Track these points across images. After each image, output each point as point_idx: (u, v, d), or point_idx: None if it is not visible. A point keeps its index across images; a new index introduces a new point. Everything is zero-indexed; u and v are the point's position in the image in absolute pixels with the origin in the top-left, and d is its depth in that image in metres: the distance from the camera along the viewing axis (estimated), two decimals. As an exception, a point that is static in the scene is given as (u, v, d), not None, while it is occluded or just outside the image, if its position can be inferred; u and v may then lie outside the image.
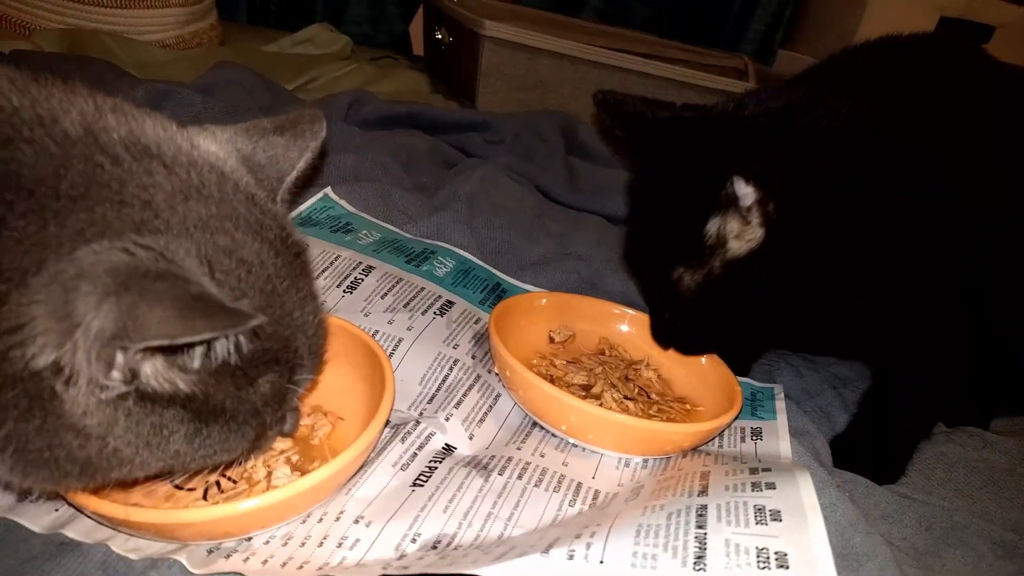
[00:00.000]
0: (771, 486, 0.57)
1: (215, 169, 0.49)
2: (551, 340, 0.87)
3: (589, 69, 1.85)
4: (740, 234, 0.69)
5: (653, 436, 0.69)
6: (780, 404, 0.84)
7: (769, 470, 0.61)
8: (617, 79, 1.88)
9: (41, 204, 0.40)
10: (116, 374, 0.41)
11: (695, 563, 0.48)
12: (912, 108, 0.75)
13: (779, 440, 0.76)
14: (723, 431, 0.79)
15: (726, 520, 0.52)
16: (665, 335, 0.80)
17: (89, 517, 0.54)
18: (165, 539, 0.54)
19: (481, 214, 1.07)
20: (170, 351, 0.42)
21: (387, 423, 0.67)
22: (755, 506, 0.54)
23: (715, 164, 0.68)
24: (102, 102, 0.47)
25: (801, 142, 0.70)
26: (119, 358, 0.40)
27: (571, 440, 0.71)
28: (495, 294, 0.91)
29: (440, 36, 2.03)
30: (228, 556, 0.54)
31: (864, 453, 0.83)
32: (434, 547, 0.55)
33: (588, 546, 0.50)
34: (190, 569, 0.52)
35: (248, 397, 0.47)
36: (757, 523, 0.52)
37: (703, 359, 0.84)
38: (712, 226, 0.69)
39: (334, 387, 0.68)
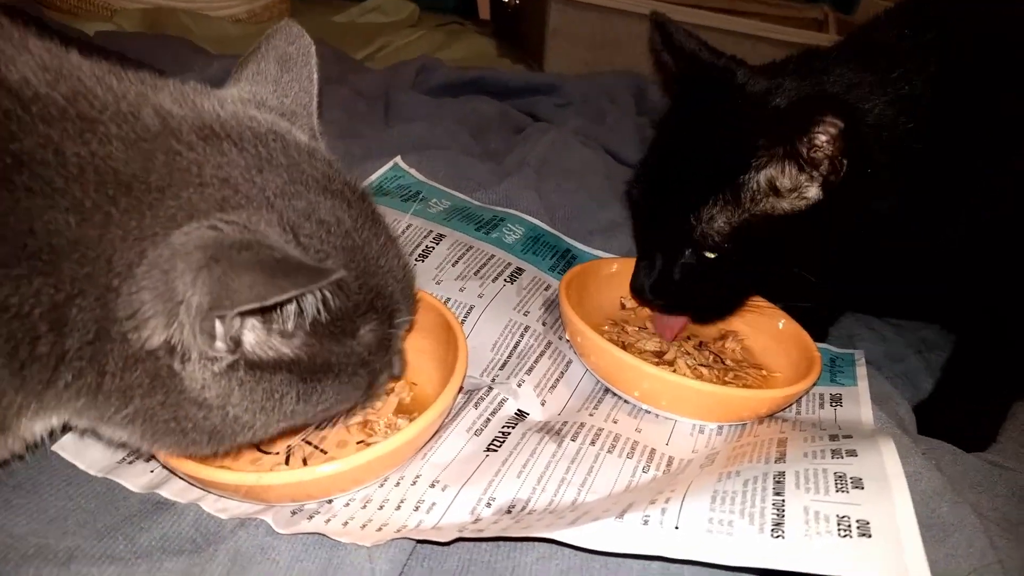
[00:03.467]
0: (852, 453, 0.55)
1: (277, 135, 0.50)
2: (622, 307, 0.86)
3: (659, 27, 1.80)
4: (795, 188, 0.66)
5: (727, 402, 0.68)
6: (861, 370, 0.82)
7: (850, 437, 0.60)
8: (690, 36, 1.83)
9: (138, 199, 0.42)
10: (220, 344, 0.43)
11: (772, 530, 0.48)
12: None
13: (860, 406, 0.74)
14: (801, 397, 0.77)
15: (804, 487, 0.51)
16: (655, 286, 0.73)
17: (180, 478, 0.57)
18: (251, 500, 0.56)
19: (550, 179, 1.06)
20: (266, 316, 0.44)
21: (460, 389, 0.69)
22: (836, 473, 0.53)
23: (790, 111, 0.65)
24: (167, 90, 0.49)
25: (891, 99, 0.68)
26: (219, 328, 0.42)
27: (644, 406, 0.71)
28: (565, 260, 0.91)
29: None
30: (311, 517, 0.56)
31: (951, 419, 0.80)
32: (508, 511, 0.56)
33: (663, 511, 0.50)
34: (276, 529, 0.54)
35: (353, 350, 0.49)
36: (838, 491, 0.50)
37: (780, 323, 0.82)
38: (765, 174, 0.66)
39: (409, 354, 0.69)
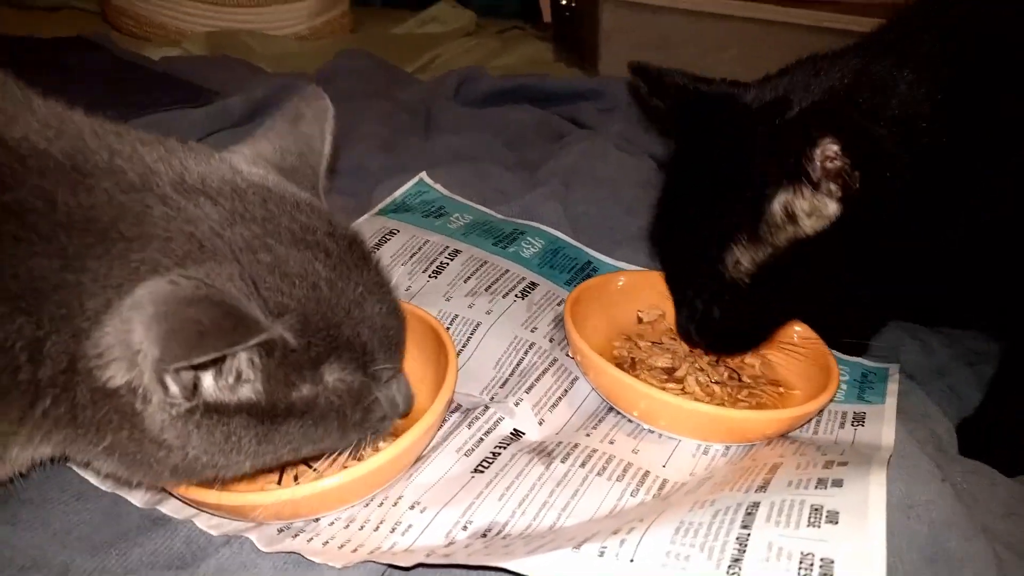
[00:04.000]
0: (838, 483, 0.52)
1: (260, 189, 0.52)
2: (639, 320, 0.84)
3: (718, 24, 1.75)
4: (812, 211, 0.63)
5: (726, 423, 0.65)
6: (892, 386, 0.77)
7: (845, 464, 0.57)
8: (751, 32, 1.77)
9: (108, 249, 0.45)
10: (175, 390, 0.45)
11: (730, 566, 0.46)
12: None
13: (883, 426, 0.70)
14: (818, 416, 0.73)
15: (775, 520, 0.49)
16: (698, 331, 0.72)
17: (174, 496, 0.60)
18: (238, 518, 0.58)
19: (579, 189, 1.05)
20: (219, 365, 0.46)
21: (457, 408, 0.69)
22: (813, 505, 0.50)
23: (787, 134, 0.62)
24: (159, 147, 0.51)
25: (892, 105, 0.64)
26: (170, 378, 0.44)
27: (646, 426, 0.69)
28: (584, 273, 0.90)
29: (564, 2, 2.00)
30: (296, 535, 0.57)
31: (992, 439, 0.75)
32: (483, 535, 0.56)
33: (622, 543, 0.49)
34: (259, 546, 0.56)
35: (318, 394, 0.50)
36: (809, 525, 0.48)
37: (796, 331, 0.78)
38: (779, 203, 0.64)
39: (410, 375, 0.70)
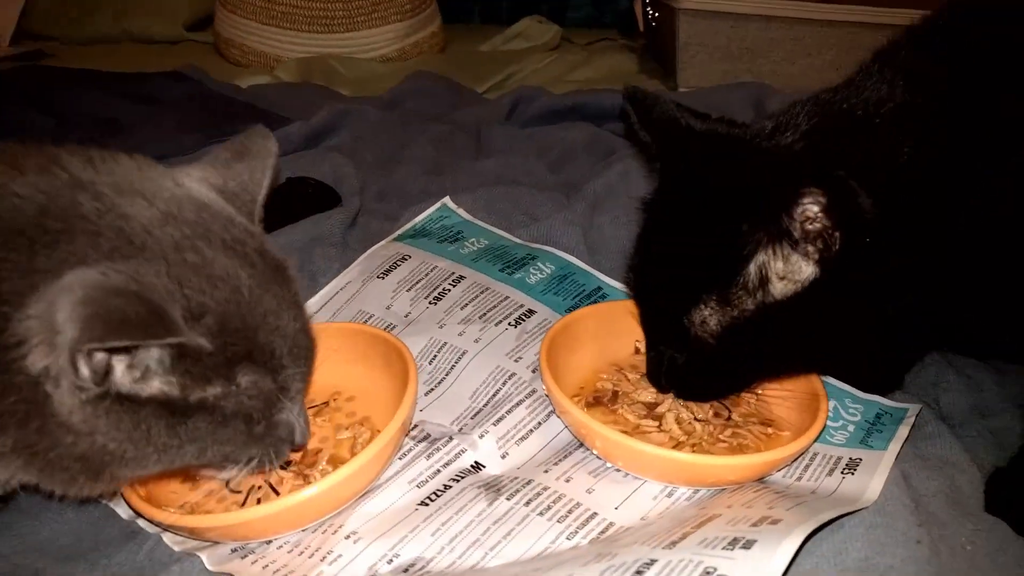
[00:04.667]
0: (748, 545, 0.49)
1: (194, 200, 0.56)
2: (636, 351, 0.82)
3: (804, 28, 1.67)
4: (787, 273, 0.60)
5: (684, 468, 0.63)
6: (902, 431, 0.71)
7: (779, 521, 0.53)
8: (840, 37, 1.67)
9: (31, 239, 0.49)
10: (85, 373, 0.47)
11: None
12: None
13: (873, 477, 0.65)
14: (808, 459, 0.69)
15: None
16: (667, 378, 0.69)
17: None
18: (192, 538, 0.62)
19: (608, 210, 1.04)
20: (132, 355, 0.49)
21: (426, 437, 0.70)
22: (706, 568, 0.47)
23: (768, 186, 0.59)
24: (112, 159, 0.56)
25: (884, 159, 0.60)
26: (83, 361, 0.47)
27: (610, 465, 0.67)
28: (591, 300, 0.88)
29: (650, 13, 1.97)
30: (244, 556, 0.61)
31: (1011, 493, 0.67)
32: (405, 570, 0.57)
33: None
34: (207, 566, 0.60)
35: (229, 393, 0.53)
36: None
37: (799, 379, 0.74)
38: (756, 263, 0.60)
39: (376, 399, 0.72)
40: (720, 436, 0.70)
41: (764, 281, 0.60)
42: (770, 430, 0.72)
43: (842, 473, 0.67)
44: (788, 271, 0.59)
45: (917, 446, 0.73)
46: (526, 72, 1.85)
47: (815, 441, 0.67)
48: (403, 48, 2.01)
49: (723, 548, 0.50)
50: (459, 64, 1.91)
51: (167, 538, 0.64)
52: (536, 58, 1.91)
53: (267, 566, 0.59)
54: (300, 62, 1.83)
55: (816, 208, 0.57)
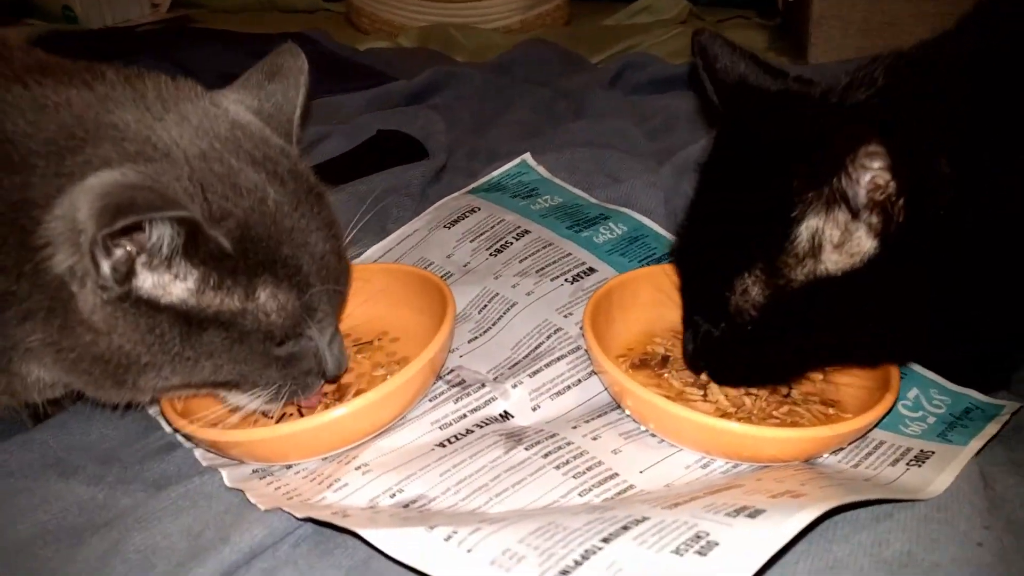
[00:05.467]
0: (755, 514, 0.44)
1: (228, 118, 0.57)
2: (699, 317, 0.76)
3: (952, 3, 1.51)
4: (842, 244, 0.53)
5: (706, 432, 0.58)
6: (991, 428, 0.63)
7: (802, 496, 0.47)
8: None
9: (61, 146, 0.51)
10: (107, 271, 0.49)
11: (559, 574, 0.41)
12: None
13: (942, 472, 0.57)
14: (874, 445, 0.62)
15: (641, 539, 0.42)
16: (701, 355, 0.63)
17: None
18: (213, 451, 0.64)
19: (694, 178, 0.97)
20: (152, 255, 0.49)
21: (461, 382, 0.68)
22: (698, 532, 0.42)
23: (828, 144, 0.51)
24: (148, 78, 0.57)
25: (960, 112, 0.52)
26: (102, 256, 0.48)
27: (644, 428, 0.63)
28: (659, 263, 0.83)
29: (788, -13, 1.85)
30: (263, 478, 0.61)
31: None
32: (405, 506, 0.55)
33: (474, 531, 0.46)
34: (226, 482, 0.61)
35: (247, 308, 0.53)
36: (674, 552, 0.41)
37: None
38: (808, 227, 0.53)
39: (419, 342, 0.70)
40: (774, 412, 0.64)
41: (816, 250, 0.53)
42: (831, 411, 0.65)
43: (907, 464, 0.59)
44: (844, 241, 0.53)
45: (1013, 448, 0.64)
46: (646, 45, 1.78)
47: (874, 426, 0.60)
48: (525, 19, 1.99)
49: (725, 514, 0.45)
50: (580, 36, 1.87)
51: (198, 453, 0.65)
52: (659, 32, 1.83)
53: (279, 488, 0.59)
54: (421, 30, 1.85)
55: (878, 166, 0.50)
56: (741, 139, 0.60)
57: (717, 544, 0.42)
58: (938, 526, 0.51)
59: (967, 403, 0.67)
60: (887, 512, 0.53)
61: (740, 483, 0.53)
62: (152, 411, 0.69)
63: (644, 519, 0.45)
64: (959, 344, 0.65)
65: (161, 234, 0.48)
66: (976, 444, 0.60)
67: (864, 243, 0.53)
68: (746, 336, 0.58)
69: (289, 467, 0.62)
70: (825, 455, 0.61)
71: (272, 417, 0.67)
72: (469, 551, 0.45)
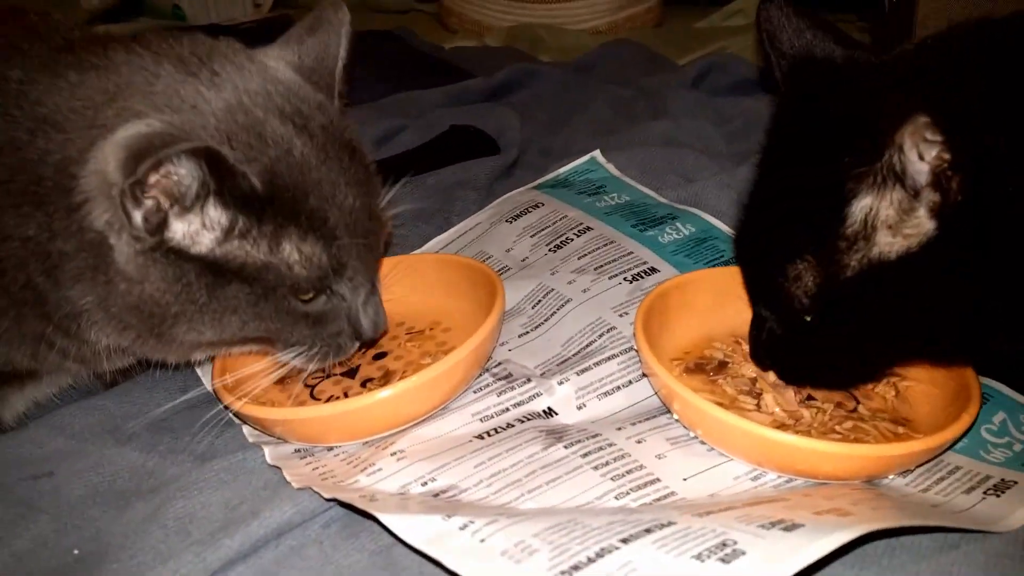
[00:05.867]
0: (791, 528, 0.40)
1: (264, 73, 0.57)
2: (763, 323, 0.72)
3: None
4: (897, 225, 0.49)
5: (751, 441, 0.54)
6: (1085, 459, 0.57)
7: (849, 515, 0.43)
8: None
9: (94, 101, 0.53)
10: (138, 221, 0.50)
11: (567, 570, 0.38)
12: None
13: (1022, 507, 0.52)
14: (949, 471, 0.57)
15: (662, 543, 0.40)
16: (764, 352, 0.59)
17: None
18: (257, 428, 0.64)
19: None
20: (183, 205, 0.50)
21: (508, 375, 0.67)
22: (723, 540, 0.40)
23: (876, 116, 0.48)
24: (187, 38, 0.58)
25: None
26: (132, 206, 0.49)
27: (693, 435, 0.60)
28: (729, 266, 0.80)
29: (893, -11, 1.76)
30: (303, 457, 0.61)
31: None
32: (436, 495, 0.54)
33: (491, 522, 0.44)
34: (268, 459, 0.61)
35: (270, 259, 0.53)
36: (694, 557, 0.38)
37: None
38: (860, 206, 0.50)
39: (470, 333, 0.70)
40: (836, 427, 0.60)
41: (870, 232, 0.50)
42: (901, 430, 0.60)
43: (984, 493, 0.54)
44: (900, 222, 0.49)
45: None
46: (736, 47, 1.72)
47: (946, 448, 0.55)
48: (615, 21, 1.96)
49: (759, 526, 0.41)
50: (669, 38, 1.83)
51: (246, 430, 0.66)
52: (751, 35, 1.78)
53: (316, 468, 0.59)
54: (508, 30, 1.85)
55: (928, 138, 0.46)
56: (798, 115, 0.57)
57: (744, 553, 0.39)
58: (1011, 563, 0.46)
59: (1065, 429, 0.61)
60: (953, 543, 0.49)
61: (786, 497, 0.49)
62: (209, 387, 0.71)
63: (670, 523, 0.43)
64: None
65: (185, 172, 0.49)
66: (1067, 476, 0.55)
67: (921, 223, 0.49)
68: (805, 328, 0.55)
69: (330, 449, 0.62)
70: (891, 477, 0.56)
71: (319, 399, 0.68)
72: (483, 541, 0.43)
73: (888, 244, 0.50)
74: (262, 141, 0.52)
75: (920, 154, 0.47)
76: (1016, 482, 0.55)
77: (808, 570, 0.41)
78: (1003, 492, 0.54)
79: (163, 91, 0.52)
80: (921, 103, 0.45)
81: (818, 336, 0.55)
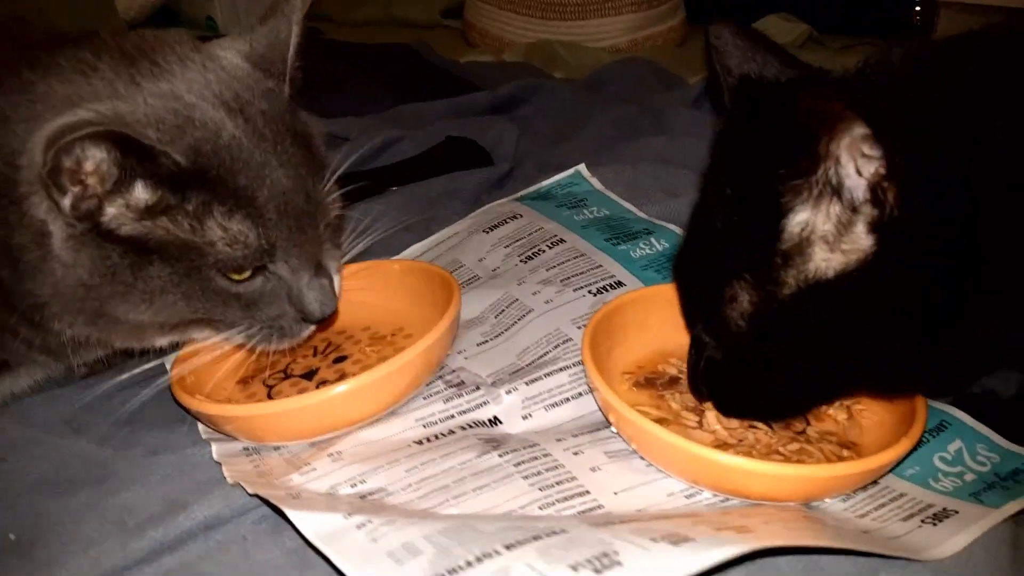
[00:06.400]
0: (678, 542, 0.40)
1: (208, 63, 0.59)
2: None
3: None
4: (834, 240, 0.48)
5: (675, 453, 0.54)
6: (1040, 492, 0.55)
7: (750, 532, 0.42)
8: None
9: (35, 95, 0.55)
10: (66, 206, 0.53)
11: (443, 573, 0.39)
12: None
13: (959, 533, 0.51)
14: (891, 498, 0.55)
15: (544, 551, 0.39)
16: (700, 380, 0.58)
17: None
18: (213, 427, 0.65)
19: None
20: (113, 188, 0.53)
21: (460, 383, 0.67)
22: (604, 551, 0.39)
23: (820, 127, 0.46)
24: (138, 33, 0.61)
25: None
26: (59, 195, 0.52)
27: (630, 448, 0.59)
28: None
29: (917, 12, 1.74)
30: (249, 455, 0.62)
31: None
32: (363, 497, 0.55)
33: (387, 523, 0.44)
34: (214, 455, 0.62)
35: (193, 237, 0.55)
36: (570, 567, 0.38)
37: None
38: (796, 221, 0.49)
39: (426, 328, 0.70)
40: (780, 448, 0.59)
41: (806, 248, 0.49)
42: (847, 453, 0.58)
43: (922, 521, 0.53)
44: (836, 237, 0.48)
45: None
46: (755, 68, 1.71)
47: (884, 472, 0.54)
48: (635, 40, 1.96)
49: (649, 538, 0.41)
50: (690, 57, 1.82)
51: (201, 427, 0.67)
52: (771, 54, 1.76)
53: (257, 466, 0.60)
54: (528, 46, 1.87)
55: (867, 153, 0.45)
56: (739, 132, 0.56)
57: (619, 564, 0.38)
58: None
59: (1020, 463, 0.59)
60: (873, 569, 0.47)
61: (700, 513, 0.48)
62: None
63: (562, 532, 0.42)
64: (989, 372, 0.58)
65: (99, 156, 0.51)
66: (1012, 507, 0.53)
67: (858, 239, 0.48)
68: (742, 354, 0.54)
69: (277, 448, 0.63)
70: (827, 500, 0.55)
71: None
72: (375, 540, 0.43)
73: (825, 260, 0.49)
74: (190, 124, 0.54)
75: (857, 168, 0.47)
76: (957, 511, 0.53)
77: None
78: (941, 521, 0.52)
79: (99, 83, 0.55)
80: (858, 115, 0.44)
81: (756, 363, 0.54)
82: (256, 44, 0.63)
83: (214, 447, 0.62)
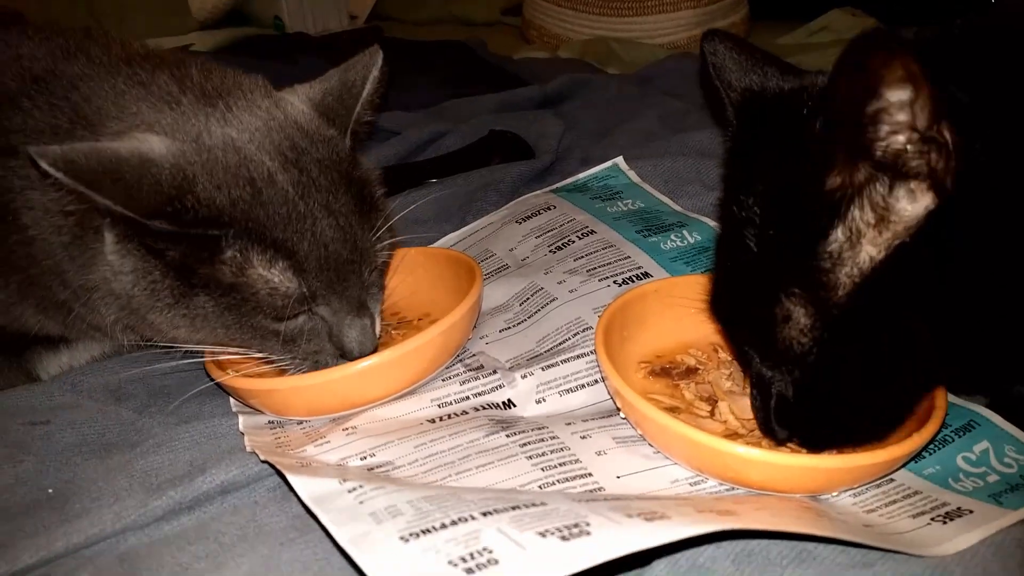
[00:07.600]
0: (652, 517, 0.40)
1: (271, 109, 0.62)
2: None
3: None
4: (881, 221, 0.45)
5: (679, 441, 0.53)
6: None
7: (731, 515, 0.42)
8: None
9: (124, 108, 0.59)
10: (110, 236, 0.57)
11: (416, 532, 0.40)
12: None
13: (967, 532, 0.49)
14: (903, 495, 0.54)
15: (518, 519, 0.40)
16: (776, 422, 0.53)
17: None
18: (240, 400, 0.68)
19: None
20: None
21: (480, 367, 0.68)
22: (577, 523, 0.39)
23: (844, 89, 0.45)
24: (221, 71, 0.65)
25: None
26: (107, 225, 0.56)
27: (636, 434, 0.59)
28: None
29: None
30: (273, 429, 0.65)
31: None
32: (370, 469, 0.56)
33: (376, 488, 0.46)
34: (240, 427, 0.65)
35: (234, 281, 0.57)
36: (538, 533, 0.38)
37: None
38: (843, 227, 0.46)
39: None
40: (792, 444, 0.58)
41: (855, 238, 0.46)
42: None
43: (932, 519, 0.51)
44: (883, 217, 0.45)
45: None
46: (819, 64, 1.67)
47: (895, 468, 0.52)
48: (694, 36, 1.94)
49: (625, 515, 0.41)
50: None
51: (232, 400, 0.70)
52: (836, 51, 1.69)
53: (277, 438, 0.62)
54: (583, 43, 1.87)
55: (905, 90, 0.41)
56: (754, 148, 0.54)
57: (588, 534, 0.39)
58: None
59: (1042, 465, 0.56)
60: (869, 561, 0.46)
61: (690, 499, 0.48)
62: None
63: (541, 504, 0.43)
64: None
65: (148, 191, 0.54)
66: (1028, 509, 0.51)
67: (913, 204, 0.45)
68: (814, 375, 0.50)
69: (300, 423, 0.65)
70: (837, 494, 0.54)
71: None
72: (361, 503, 0.45)
73: (874, 245, 0.46)
74: (243, 172, 0.56)
75: (897, 112, 0.43)
76: (972, 511, 0.52)
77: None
78: (952, 519, 0.51)
79: (179, 118, 0.58)
80: (881, 47, 0.43)
81: (832, 380, 0.50)
82: (328, 95, 0.65)
83: (241, 419, 0.65)
